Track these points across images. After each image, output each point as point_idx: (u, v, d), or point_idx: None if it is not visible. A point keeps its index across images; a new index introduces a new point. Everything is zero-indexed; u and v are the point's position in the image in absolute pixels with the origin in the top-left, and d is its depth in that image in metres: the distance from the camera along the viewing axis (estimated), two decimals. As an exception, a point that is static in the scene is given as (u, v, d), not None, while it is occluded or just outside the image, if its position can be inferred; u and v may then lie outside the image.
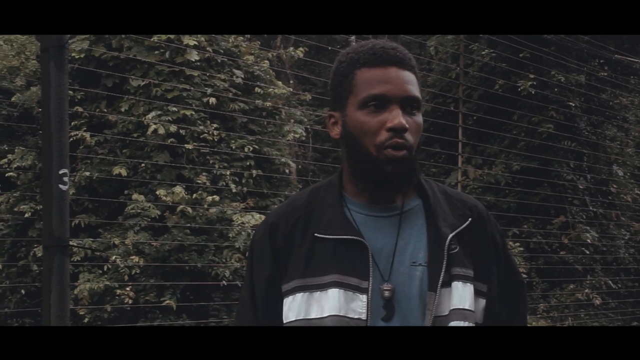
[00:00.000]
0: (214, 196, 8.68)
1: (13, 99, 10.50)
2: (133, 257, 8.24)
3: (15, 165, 9.21)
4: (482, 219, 1.79)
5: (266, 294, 1.73)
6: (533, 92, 11.11)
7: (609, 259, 12.01)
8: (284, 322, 1.68)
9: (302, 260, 1.69)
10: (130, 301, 8.08)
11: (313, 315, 1.65)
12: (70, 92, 8.07)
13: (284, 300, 1.69)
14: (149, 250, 8.44)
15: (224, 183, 8.94)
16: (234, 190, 8.99)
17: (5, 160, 9.42)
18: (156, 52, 9.16)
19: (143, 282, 8.32)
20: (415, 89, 1.70)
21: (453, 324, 1.65)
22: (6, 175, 9.47)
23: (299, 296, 1.67)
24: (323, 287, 1.65)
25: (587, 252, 11.55)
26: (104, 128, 9.12)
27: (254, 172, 9.19)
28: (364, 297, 1.63)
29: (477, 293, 1.70)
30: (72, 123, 8.55)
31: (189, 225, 8.48)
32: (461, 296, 1.67)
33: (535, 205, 11.24)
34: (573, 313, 10.78)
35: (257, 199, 9.36)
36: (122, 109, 9.01)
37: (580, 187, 11.88)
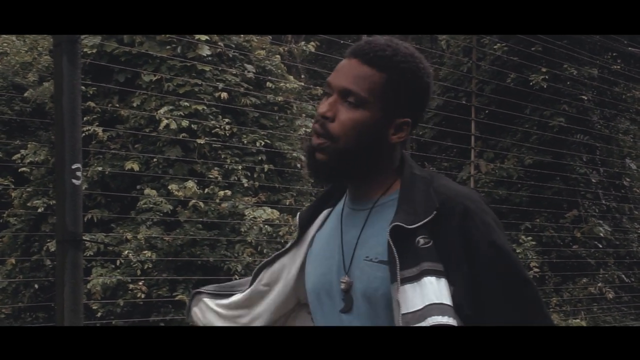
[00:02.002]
0: (226, 191, 8.69)
1: (26, 94, 10.53)
2: (145, 251, 8.26)
3: (28, 161, 9.24)
4: (452, 214, 1.63)
5: None
6: (545, 86, 11.06)
7: (622, 253, 11.96)
8: None
9: None
10: (143, 296, 8.10)
11: None
12: (83, 87, 8.07)
13: None
14: (161, 244, 8.46)
15: (236, 178, 8.95)
16: (245, 185, 8.99)
17: (19, 155, 9.45)
18: (168, 47, 9.17)
19: (155, 276, 8.34)
20: (358, 83, 1.65)
21: (432, 319, 1.54)
22: (19, 170, 9.50)
23: None
24: None
25: (600, 246, 11.50)
26: (116, 123, 9.14)
27: (266, 166, 9.19)
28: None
29: None
30: (85, 118, 8.57)
31: (201, 219, 8.50)
32: (436, 291, 1.56)
33: (548, 199, 11.19)
34: (586, 307, 10.74)
35: (268, 193, 9.36)
36: (134, 104, 9.03)
37: (593, 180, 11.83)
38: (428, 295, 1.55)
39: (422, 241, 1.59)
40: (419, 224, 1.60)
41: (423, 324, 1.53)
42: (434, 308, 1.54)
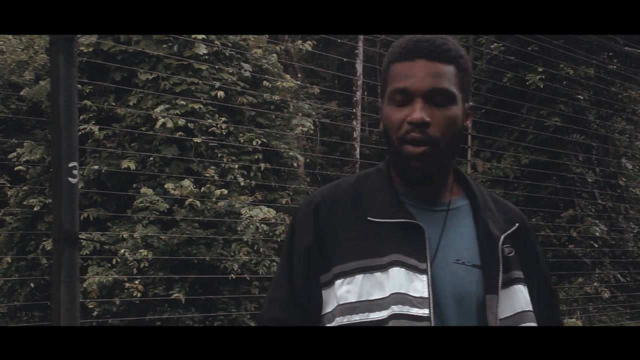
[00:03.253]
0: (222, 189, 8.69)
1: (22, 92, 10.53)
2: (142, 250, 8.26)
3: (25, 159, 9.24)
4: (526, 227, 1.81)
5: (305, 266, 1.70)
6: (542, 85, 11.08)
7: (618, 252, 11.98)
8: (341, 303, 1.65)
9: (355, 243, 1.67)
10: (139, 294, 8.09)
11: (375, 297, 1.62)
12: (79, 85, 8.07)
13: (337, 282, 1.66)
14: (157, 243, 8.46)
15: (232, 176, 8.95)
16: (242, 184, 8.99)
17: (15, 154, 9.44)
18: (164, 45, 9.16)
19: (152, 275, 8.33)
20: (444, 81, 1.66)
21: (527, 325, 1.69)
22: (15, 169, 9.50)
23: (359, 278, 1.64)
24: (384, 267, 1.63)
25: (596, 246, 11.52)
26: (113, 121, 9.13)
27: (262, 165, 9.19)
28: (423, 277, 1.62)
29: None
30: (81, 117, 8.56)
31: (197, 218, 8.49)
32: (526, 298, 1.71)
33: (544, 199, 11.21)
34: (582, 306, 10.76)
35: (265, 192, 9.36)
36: (131, 103, 9.02)
37: (589, 180, 11.85)
38: (519, 303, 1.69)
39: (506, 250, 1.71)
40: (506, 233, 1.73)
41: None
42: (528, 315, 1.69)
